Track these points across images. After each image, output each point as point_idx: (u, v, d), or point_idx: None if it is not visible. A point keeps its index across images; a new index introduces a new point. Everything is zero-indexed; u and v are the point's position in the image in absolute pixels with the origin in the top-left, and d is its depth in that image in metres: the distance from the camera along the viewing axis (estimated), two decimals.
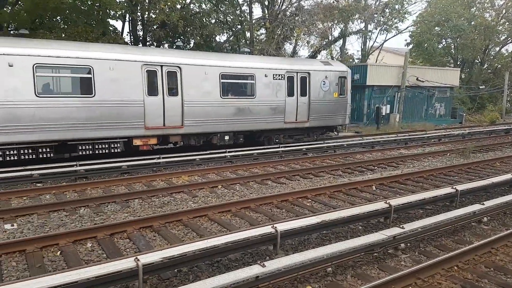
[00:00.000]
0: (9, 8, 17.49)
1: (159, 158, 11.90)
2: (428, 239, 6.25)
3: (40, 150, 10.63)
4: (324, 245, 5.29)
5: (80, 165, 10.61)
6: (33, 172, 9.98)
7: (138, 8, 21.33)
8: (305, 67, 15.46)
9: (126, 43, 21.54)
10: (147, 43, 22.89)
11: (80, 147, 11.12)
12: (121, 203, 8.08)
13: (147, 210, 7.70)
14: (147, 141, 12.12)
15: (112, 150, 11.63)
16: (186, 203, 8.25)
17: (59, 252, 5.55)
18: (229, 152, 13.22)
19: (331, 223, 5.97)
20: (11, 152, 10.22)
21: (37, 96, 10.16)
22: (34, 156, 10.59)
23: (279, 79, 14.51)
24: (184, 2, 22.15)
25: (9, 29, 17.26)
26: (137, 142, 11.93)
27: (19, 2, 17.38)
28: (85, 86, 10.86)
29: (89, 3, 18.98)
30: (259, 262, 4.55)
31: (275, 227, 5.40)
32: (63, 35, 18.58)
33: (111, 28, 21.77)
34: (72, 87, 11.05)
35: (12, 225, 6.71)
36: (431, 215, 6.92)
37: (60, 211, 7.51)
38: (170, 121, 12.27)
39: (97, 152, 11.39)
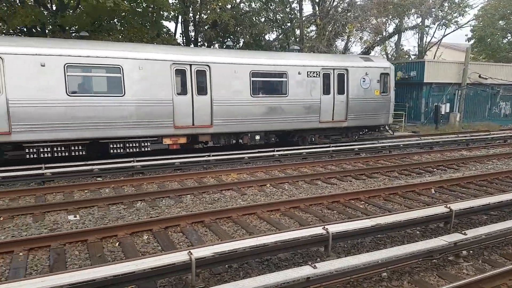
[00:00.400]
0: (71, 11, 18.66)
1: (209, 155, 12.14)
2: (493, 247, 5.79)
3: (72, 148, 10.97)
4: (379, 249, 5.08)
5: (137, 161, 11.11)
6: (93, 167, 10.62)
7: (191, 9, 21.91)
8: (342, 63, 14.79)
9: (179, 44, 22.23)
10: (198, 44, 23.47)
11: (111, 146, 11.34)
12: (174, 198, 8.34)
13: (199, 206, 7.87)
14: (177, 140, 12.18)
15: (143, 149, 11.76)
16: (235, 200, 8.32)
17: (117, 243, 5.83)
18: (277, 151, 13.18)
19: (387, 226, 5.72)
20: (45, 150, 10.65)
21: (68, 95, 10.48)
22: (66, 154, 10.95)
23: (314, 76, 14.03)
24: (234, 1, 22.43)
25: (71, 31, 18.43)
26: (166, 141, 12.06)
27: (80, 6, 18.46)
28: (115, 85, 11.05)
29: (144, 5, 19.79)
30: (310, 263, 4.45)
31: (327, 229, 5.27)
32: (120, 37, 19.56)
33: (164, 30, 22.56)
34: (103, 86, 11.20)
35: (75, 216, 7.16)
36: (496, 222, 6.41)
37: (119, 204, 7.91)
38: (199, 121, 12.26)
39: (128, 150, 11.57)
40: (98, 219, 7.06)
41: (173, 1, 21.01)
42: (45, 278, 3.74)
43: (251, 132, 13.25)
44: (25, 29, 17.56)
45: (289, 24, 26.05)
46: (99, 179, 10.36)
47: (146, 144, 11.77)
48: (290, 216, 7.20)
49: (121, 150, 11.50)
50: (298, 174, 10.77)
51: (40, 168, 10.04)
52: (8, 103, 9.81)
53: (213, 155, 12.17)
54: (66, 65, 10.40)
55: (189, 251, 4.41)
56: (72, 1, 17.31)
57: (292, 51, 16.09)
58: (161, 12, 20.72)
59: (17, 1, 16.50)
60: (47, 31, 18.25)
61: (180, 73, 11.97)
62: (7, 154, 10.69)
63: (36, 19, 16.25)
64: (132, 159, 11.16)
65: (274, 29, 25.93)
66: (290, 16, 25.99)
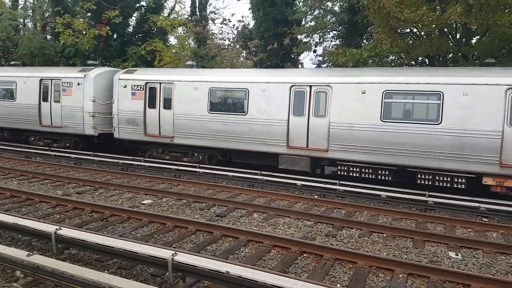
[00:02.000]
0: (475, 39, 17.75)
1: None
2: None
3: (379, 172, 10.99)
4: None
5: None
6: (479, 204, 9.55)
7: None
8: None
9: None
10: None
11: (418, 175, 10.69)
12: None
13: None
14: (503, 182, 9.82)
15: (455, 186, 10.35)
16: None
17: None
18: None
19: None
20: (354, 169, 11.23)
21: (381, 120, 10.58)
22: (373, 176, 11.08)
23: None
24: None
25: (474, 59, 17.49)
26: (488, 181, 10.03)
27: (487, 33, 17.22)
28: (433, 113, 10.32)
29: None
30: None
31: None
32: None
33: None
34: (418, 113, 10.72)
35: (457, 255, 6.54)
36: None
37: (509, 256, 6.53)
38: None
39: (436, 184, 10.50)
40: (483, 265, 6.10)
41: None
42: None
43: None
44: (424, 59, 18.44)
45: None
46: (485, 219, 9.14)
47: (460, 181, 10.29)
48: None
49: (429, 182, 10.69)
50: None
51: (423, 195, 10.13)
52: (330, 125, 11.07)
53: None
54: (384, 92, 10.66)
55: None
56: (479, 29, 16.47)
57: None
58: None
59: (423, 34, 17.49)
60: (447, 59, 18.34)
61: None
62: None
63: (440, 48, 16.59)
64: None
65: None
66: None
